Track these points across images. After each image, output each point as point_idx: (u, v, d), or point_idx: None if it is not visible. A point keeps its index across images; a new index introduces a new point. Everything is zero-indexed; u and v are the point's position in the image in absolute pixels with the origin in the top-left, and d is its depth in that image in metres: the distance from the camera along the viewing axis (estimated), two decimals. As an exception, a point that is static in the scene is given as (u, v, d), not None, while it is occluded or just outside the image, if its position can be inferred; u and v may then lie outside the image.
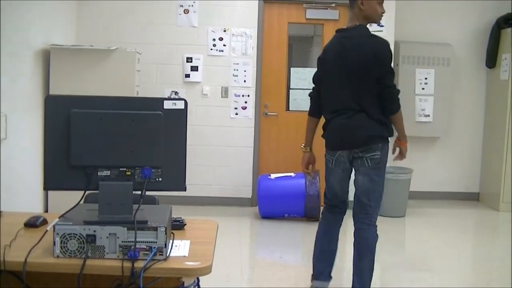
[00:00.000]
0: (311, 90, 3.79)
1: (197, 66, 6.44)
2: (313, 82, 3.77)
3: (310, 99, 3.80)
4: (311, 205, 5.79)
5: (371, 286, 3.59)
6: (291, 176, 6.01)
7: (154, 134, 2.15)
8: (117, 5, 6.36)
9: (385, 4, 3.59)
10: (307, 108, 3.81)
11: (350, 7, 3.58)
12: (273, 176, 6.08)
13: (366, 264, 3.56)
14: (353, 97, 3.49)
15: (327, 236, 3.78)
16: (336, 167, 3.62)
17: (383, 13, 3.60)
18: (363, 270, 3.57)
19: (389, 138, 3.56)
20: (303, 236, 5.50)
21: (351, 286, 3.62)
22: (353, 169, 3.60)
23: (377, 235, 3.58)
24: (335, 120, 3.57)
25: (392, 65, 3.59)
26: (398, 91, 3.50)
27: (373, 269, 3.58)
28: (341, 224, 3.81)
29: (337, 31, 3.66)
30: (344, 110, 3.53)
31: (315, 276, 3.83)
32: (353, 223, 3.59)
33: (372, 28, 6.77)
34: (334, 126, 3.59)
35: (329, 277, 3.82)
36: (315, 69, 3.77)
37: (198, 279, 2.26)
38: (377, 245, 3.54)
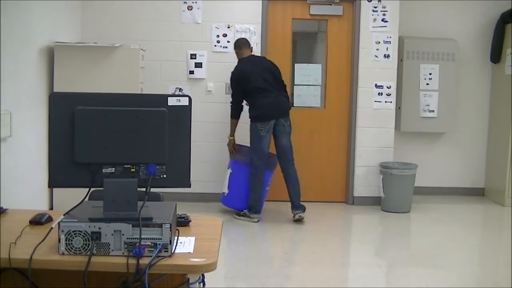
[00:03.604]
0: (237, 102, 5.75)
1: (201, 63, 6.44)
2: (238, 94, 5.68)
3: (237, 106, 5.75)
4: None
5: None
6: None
7: (159, 130, 2.15)
8: (121, 2, 6.36)
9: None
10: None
11: (249, 47, 5.84)
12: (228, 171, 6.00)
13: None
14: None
15: (264, 187, 5.67)
16: (267, 133, 5.53)
17: None
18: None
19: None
20: (308, 232, 5.49)
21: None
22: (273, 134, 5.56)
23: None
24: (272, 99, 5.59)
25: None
26: None
27: None
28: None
29: (248, 57, 5.77)
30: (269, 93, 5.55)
31: (257, 212, 5.63)
32: (281, 167, 5.68)
33: (377, 23, 6.93)
34: (269, 103, 5.57)
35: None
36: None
37: (203, 275, 2.26)
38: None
